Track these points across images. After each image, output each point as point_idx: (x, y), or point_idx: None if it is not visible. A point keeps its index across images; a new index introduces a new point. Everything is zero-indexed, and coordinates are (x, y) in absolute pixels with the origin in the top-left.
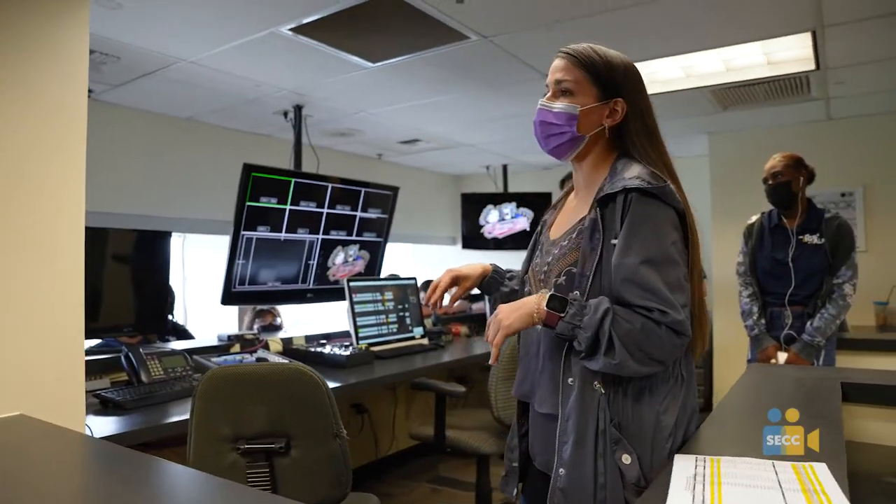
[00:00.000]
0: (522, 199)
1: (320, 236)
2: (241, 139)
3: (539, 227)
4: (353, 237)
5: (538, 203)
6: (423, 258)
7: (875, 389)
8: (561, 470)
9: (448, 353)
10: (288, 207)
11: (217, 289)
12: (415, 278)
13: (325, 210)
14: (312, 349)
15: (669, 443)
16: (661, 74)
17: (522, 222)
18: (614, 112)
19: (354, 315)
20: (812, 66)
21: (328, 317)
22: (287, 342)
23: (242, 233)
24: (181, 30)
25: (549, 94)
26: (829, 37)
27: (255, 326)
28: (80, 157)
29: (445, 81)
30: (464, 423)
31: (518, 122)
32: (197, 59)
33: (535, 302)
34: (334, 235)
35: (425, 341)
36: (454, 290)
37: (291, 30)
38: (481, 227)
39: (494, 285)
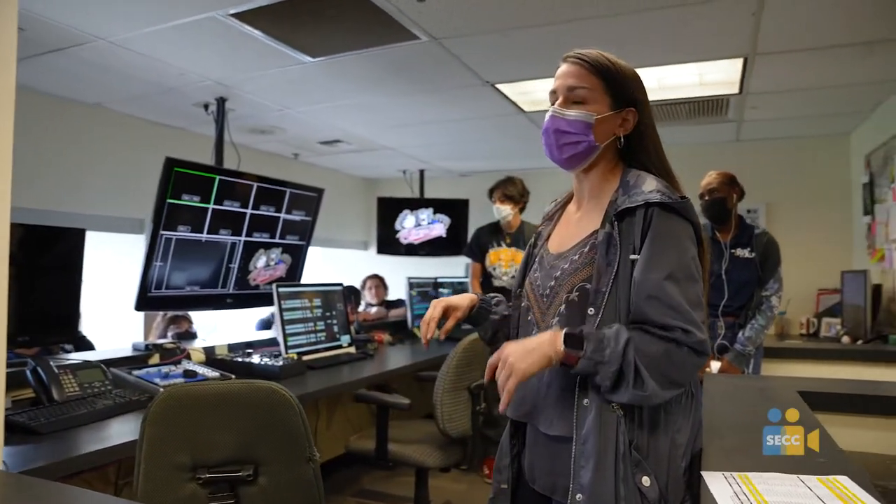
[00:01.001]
0: (440, 205)
1: (243, 238)
2: (151, 130)
3: (533, 240)
4: (277, 240)
5: (455, 209)
6: (334, 263)
7: (831, 398)
8: (579, 496)
9: (378, 361)
10: (211, 206)
11: (118, 293)
12: (341, 284)
13: (250, 210)
14: (240, 359)
15: (684, 461)
16: None
17: (439, 228)
18: (626, 122)
19: (283, 323)
20: (736, 90)
21: (235, 324)
22: (209, 351)
23: (162, 232)
24: (106, 4)
25: (559, 101)
26: (758, 64)
27: (169, 334)
28: (5, 149)
29: (382, 81)
30: (404, 435)
31: (448, 127)
32: (119, 39)
33: (548, 342)
34: (257, 237)
35: (352, 349)
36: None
37: (233, 15)
38: (397, 231)
39: (483, 315)
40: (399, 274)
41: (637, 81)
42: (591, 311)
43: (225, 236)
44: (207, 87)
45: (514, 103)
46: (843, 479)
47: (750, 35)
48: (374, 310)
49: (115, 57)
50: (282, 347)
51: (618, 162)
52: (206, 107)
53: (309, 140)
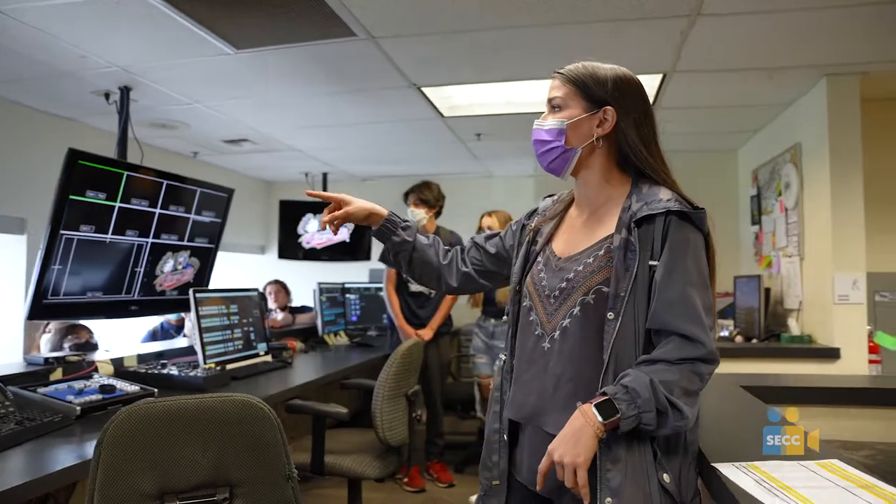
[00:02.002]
0: None
1: (150, 240)
2: (38, 120)
3: (531, 236)
4: (185, 242)
5: None
6: (230, 268)
7: (770, 391)
8: (608, 499)
9: (300, 370)
10: (118, 205)
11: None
12: (257, 289)
13: (158, 210)
14: (156, 371)
15: (691, 456)
16: (528, 96)
17: (342, 233)
18: (604, 121)
19: (201, 330)
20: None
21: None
22: (118, 363)
23: (62, 232)
24: None
25: (543, 114)
26: (675, 81)
27: (66, 346)
28: None
29: (307, 79)
30: (339, 446)
31: (365, 130)
32: (7, 8)
33: (585, 423)
34: (165, 239)
35: (269, 358)
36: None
37: None
38: (299, 236)
39: (387, 233)
40: (300, 279)
41: (618, 81)
42: (610, 315)
43: (132, 237)
44: (111, 74)
45: (435, 108)
46: (837, 462)
47: (674, 52)
48: (280, 316)
49: (3, 30)
50: (199, 357)
51: (619, 166)
52: (107, 96)
53: (212, 138)
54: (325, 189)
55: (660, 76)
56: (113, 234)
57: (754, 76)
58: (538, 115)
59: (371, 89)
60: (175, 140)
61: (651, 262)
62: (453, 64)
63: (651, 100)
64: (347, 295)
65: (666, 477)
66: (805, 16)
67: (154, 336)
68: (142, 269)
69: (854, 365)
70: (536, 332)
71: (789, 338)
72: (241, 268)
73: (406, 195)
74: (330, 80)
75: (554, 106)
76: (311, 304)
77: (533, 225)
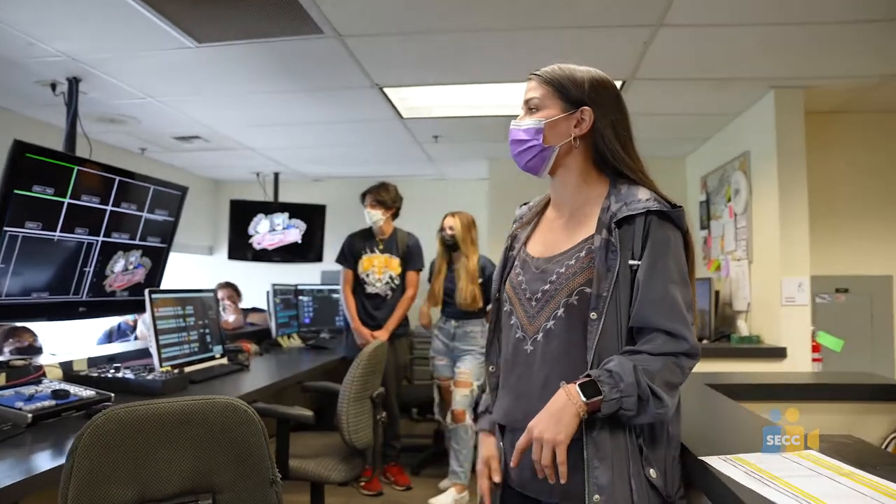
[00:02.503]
0: (295, 210)
1: (101, 238)
2: None
3: (509, 242)
4: (137, 241)
5: (312, 215)
6: (177, 269)
7: (735, 388)
8: (596, 496)
9: (258, 373)
10: (67, 201)
11: None
12: (214, 290)
13: (110, 207)
14: (109, 375)
15: (675, 451)
16: (488, 99)
17: (294, 234)
18: (581, 122)
19: (157, 332)
20: None
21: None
22: (66, 367)
23: (6, 229)
24: None
25: (520, 116)
26: (633, 88)
27: (7, 349)
28: None
29: (268, 76)
30: (301, 450)
31: (321, 129)
32: None
33: (566, 401)
34: (116, 238)
35: (225, 361)
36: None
37: None
38: (250, 236)
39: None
40: (250, 281)
41: (594, 83)
42: (592, 315)
43: (81, 235)
44: (60, 64)
45: (395, 108)
46: (814, 453)
47: (635, 61)
48: (232, 318)
49: None
50: (155, 360)
51: (596, 167)
52: (53, 87)
53: (163, 134)
54: (276, 188)
55: (619, 83)
56: (61, 231)
57: (707, 86)
58: (498, 118)
59: (331, 88)
60: (122, 135)
61: (632, 262)
62: (418, 65)
63: None
64: (300, 297)
65: (652, 472)
66: (756, 30)
67: (110, 337)
68: (91, 269)
69: (799, 363)
70: (517, 335)
71: (739, 338)
72: (188, 269)
73: (363, 196)
74: (291, 78)
75: (531, 107)
76: (261, 305)
77: (511, 232)
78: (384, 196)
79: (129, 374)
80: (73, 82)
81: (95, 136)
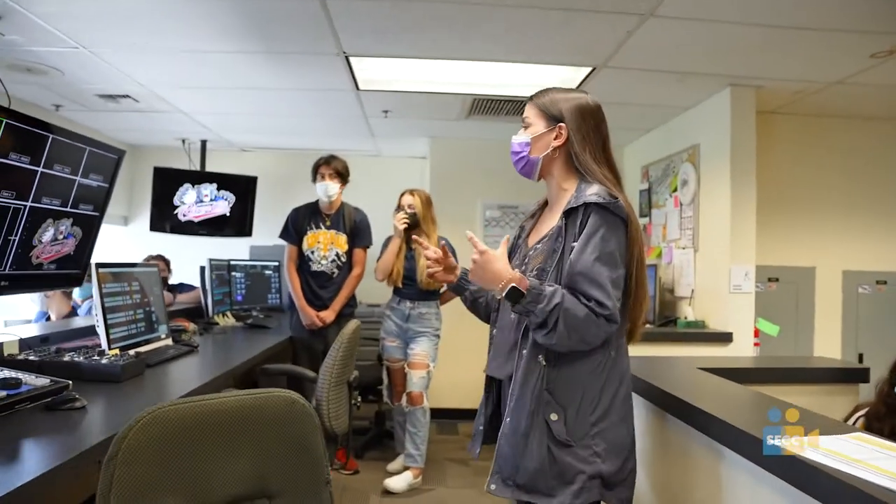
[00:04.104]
0: (224, 181)
1: (29, 203)
2: None
3: (518, 233)
4: (69, 209)
5: (241, 187)
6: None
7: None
8: (507, 419)
9: (212, 354)
10: None
11: None
12: (157, 265)
13: (41, 169)
14: (53, 358)
15: (595, 404)
16: (442, 76)
17: (222, 206)
18: (559, 135)
19: (105, 311)
20: None
21: None
22: None
23: None
24: None
25: (519, 132)
26: (600, 76)
27: None
28: None
29: (224, 32)
30: None
31: (269, 96)
32: None
33: (500, 280)
34: (47, 204)
35: (171, 341)
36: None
37: None
38: (175, 207)
39: (463, 286)
40: (174, 255)
41: (570, 104)
42: (536, 282)
43: (7, 199)
44: None
45: (353, 79)
46: (864, 434)
47: (613, 49)
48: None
49: None
50: (103, 341)
51: (572, 171)
52: None
53: (87, 91)
54: (203, 157)
55: (588, 70)
56: None
57: (670, 79)
58: (455, 96)
59: (293, 53)
60: (36, 88)
61: (573, 244)
62: (393, 34)
63: None
64: (233, 273)
65: (553, 416)
66: (735, 28)
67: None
68: (16, 238)
69: (743, 348)
70: (511, 312)
71: (685, 323)
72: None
73: (316, 167)
74: (251, 36)
75: (524, 125)
76: (187, 281)
77: (521, 223)
78: (340, 168)
79: (79, 358)
80: None
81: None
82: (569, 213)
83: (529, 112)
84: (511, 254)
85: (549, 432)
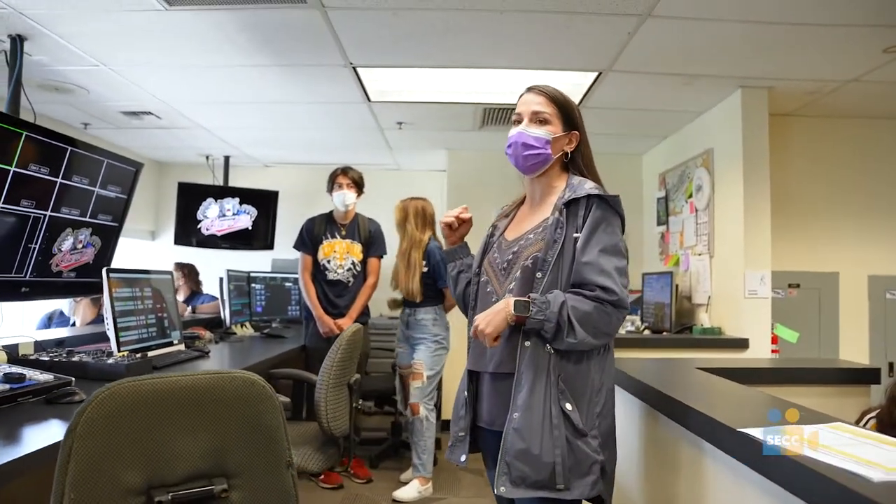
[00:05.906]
0: (246, 196)
1: (49, 213)
2: None
3: (490, 230)
4: (87, 218)
5: (263, 201)
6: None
7: (723, 372)
8: (515, 414)
9: (221, 359)
10: (13, 169)
11: None
12: (171, 272)
13: (60, 180)
14: (63, 359)
15: (599, 395)
16: (453, 85)
17: (245, 220)
18: (571, 142)
19: (115, 315)
20: (576, 102)
21: None
22: (12, 351)
23: None
24: None
25: (525, 122)
26: (607, 80)
27: None
28: None
29: (236, 46)
30: None
31: (283, 109)
32: None
33: (503, 307)
34: (66, 214)
35: (183, 347)
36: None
37: None
38: (199, 221)
39: (461, 252)
40: (198, 268)
41: (579, 112)
42: (538, 275)
43: (27, 208)
44: (2, 18)
45: (364, 90)
46: (849, 426)
47: (616, 52)
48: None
49: None
50: (113, 344)
51: (562, 171)
52: None
53: (110, 108)
54: (226, 172)
55: (594, 74)
56: (5, 203)
57: (678, 82)
58: (467, 105)
59: (301, 65)
60: (64, 107)
61: (576, 235)
62: (398, 44)
63: (578, 100)
64: (253, 284)
65: (568, 405)
66: (735, 27)
67: (50, 321)
68: (37, 246)
69: (760, 353)
70: (493, 300)
71: (701, 329)
72: (130, 254)
73: (333, 178)
74: (262, 50)
75: (541, 119)
76: (209, 293)
77: (493, 222)
78: (358, 178)
79: (87, 359)
80: (17, 41)
81: (34, 107)
82: (569, 205)
83: (547, 107)
84: (483, 253)
85: (568, 422)
